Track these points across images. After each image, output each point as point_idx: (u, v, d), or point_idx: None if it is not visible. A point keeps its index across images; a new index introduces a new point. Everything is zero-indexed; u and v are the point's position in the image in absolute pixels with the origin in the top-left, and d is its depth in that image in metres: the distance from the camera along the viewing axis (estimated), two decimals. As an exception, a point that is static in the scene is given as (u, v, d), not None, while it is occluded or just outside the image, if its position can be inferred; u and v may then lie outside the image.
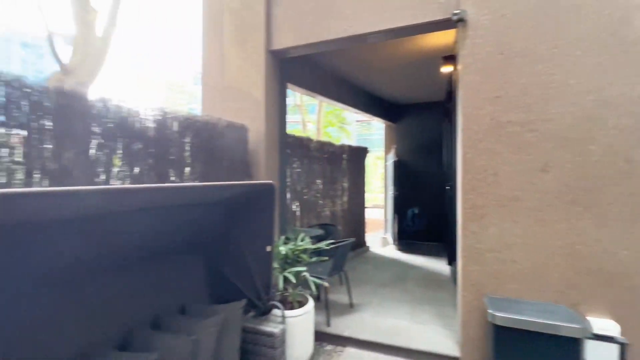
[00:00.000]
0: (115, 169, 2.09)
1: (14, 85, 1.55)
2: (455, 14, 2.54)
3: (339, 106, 6.28)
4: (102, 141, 2.02)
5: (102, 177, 1.99)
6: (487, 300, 2.32)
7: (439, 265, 5.37)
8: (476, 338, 2.50)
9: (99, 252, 1.78)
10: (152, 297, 2.07)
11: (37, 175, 1.65)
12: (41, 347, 1.51)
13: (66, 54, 5.66)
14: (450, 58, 3.76)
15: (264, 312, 2.32)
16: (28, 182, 1.63)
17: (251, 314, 2.35)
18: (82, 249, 1.67)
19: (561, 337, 1.96)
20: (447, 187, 4.97)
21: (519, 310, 2.13)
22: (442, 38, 3.74)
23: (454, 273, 4.19)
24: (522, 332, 2.04)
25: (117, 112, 2.09)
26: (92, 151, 1.93)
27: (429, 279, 4.67)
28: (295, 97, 13.20)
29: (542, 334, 1.99)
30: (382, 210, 7.99)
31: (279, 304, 2.29)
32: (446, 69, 4.08)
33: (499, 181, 2.46)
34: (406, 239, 6.99)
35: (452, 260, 4.51)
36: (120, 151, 2.14)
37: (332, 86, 5.26)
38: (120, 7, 5.84)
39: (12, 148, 1.57)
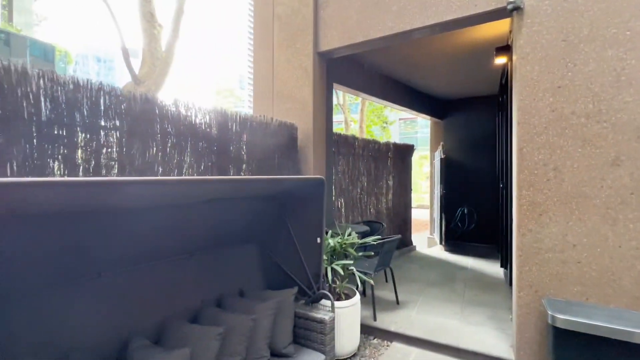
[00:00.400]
0: (185, 165, 2.37)
1: (111, 94, 1.85)
2: (510, 3, 2.43)
3: (384, 104, 6.25)
4: (175, 140, 2.31)
5: (175, 171, 2.27)
6: (547, 302, 2.20)
7: (491, 268, 5.10)
8: (533, 342, 2.38)
9: (172, 239, 2.03)
10: (215, 280, 2.31)
11: (127, 170, 1.95)
12: (125, 318, 1.77)
13: (133, 66, 6.38)
14: (504, 49, 3.57)
15: (314, 300, 2.44)
16: (121, 176, 1.93)
17: (301, 301, 2.49)
18: (158, 236, 1.92)
19: (637, 345, 1.80)
20: (501, 185, 4.71)
21: (583, 314, 2.00)
22: (494, 28, 3.57)
23: (508, 275, 3.97)
24: (587, 336, 1.91)
25: (187, 114, 2.36)
26: (168, 149, 2.21)
27: (480, 280, 4.47)
28: (338, 96, 13.30)
29: (611, 340, 1.85)
30: (428, 211, 7.76)
31: (328, 294, 2.39)
32: (499, 60, 3.88)
33: (561, 177, 2.31)
34: (454, 239, 6.72)
35: (506, 263, 4.26)
36: (189, 149, 2.41)
37: (377, 84, 5.26)
38: (182, 20, 6.43)
39: (109, 147, 1.87)
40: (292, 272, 2.53)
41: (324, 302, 2.45)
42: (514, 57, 2.62)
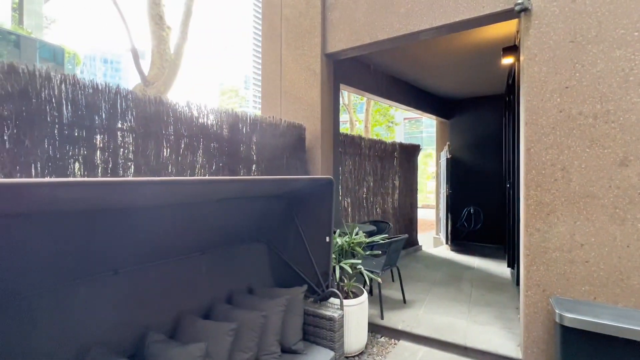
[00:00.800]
0: (197, 165, 2.42)
1: (128, 97, 1.92)
2: (518, 4, 2.45)
3: (390, 104, 6.27)
4: (187, 141, 2.36)
5: (188, 172, 2.33)
6: (554, 301, 2.22)
7: (497, 268, 5.09)
8: (540, 341, 2.39)
9: (184, 237, 2.09)
10: (225, 278, 2.36)
11: (143, 170, 2.01)
12: (140, 313, 1.83)
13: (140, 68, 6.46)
14: (511, 49, 3.58)
15: (323, 298, 2.48)
16: (137, 176, 1.99)
17: (310, 299, 2.54)
18: (171, 234, 1.98)
19: (643, 344, 1.82)
20: (507, 185, 4.71)
21: (591, 313, 2.01)
22: (501, 28, 3.58)
23: (515, 275, 3.98)
24: (594, 335, 1.92)
25: (199, 116, 2.42)
26: (181, 150, 2.26)
27: (487, 280, 4.47)
28: (343, 96, 13.32)
29: (619, 339, 1.86)
30: (433, 211, 7.76)
31: (337, 292, 2.43)
32: (506, 60, 3.88)
33: (569, 177, 2.33)
34: (460, 239, 6.71)
35: (513, 263, 4.26)
36: (201, 150, 2.47)
37: (384, 85, 5.29)
38: (190, 22, 6.52)
39: (126, 148, 1.93)
40: (301, 271, 2.58)
41: (332, 300, 2.49)
42: (522, 58, 2.63)
